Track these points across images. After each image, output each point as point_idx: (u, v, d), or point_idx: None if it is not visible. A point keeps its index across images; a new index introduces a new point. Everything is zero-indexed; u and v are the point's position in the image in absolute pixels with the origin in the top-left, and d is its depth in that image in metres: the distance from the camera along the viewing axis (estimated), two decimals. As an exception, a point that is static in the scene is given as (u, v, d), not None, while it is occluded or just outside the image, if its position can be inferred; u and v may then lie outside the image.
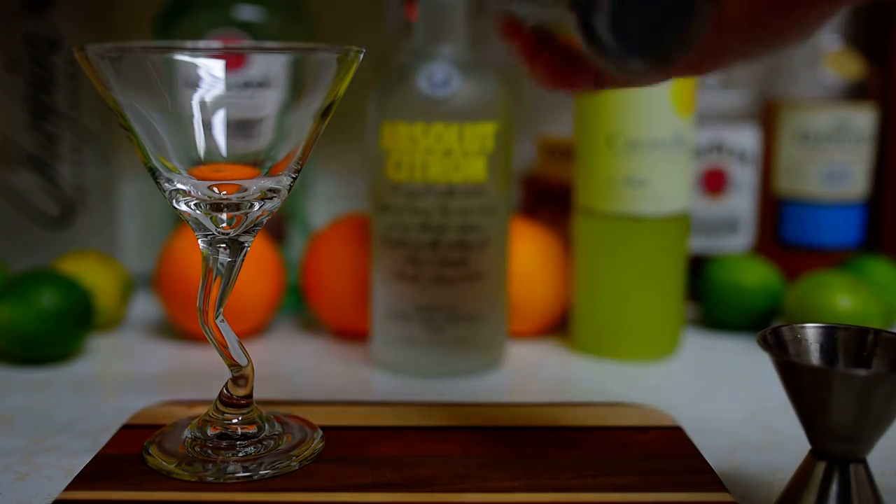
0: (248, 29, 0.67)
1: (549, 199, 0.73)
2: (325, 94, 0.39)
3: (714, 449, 0.45)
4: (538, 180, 0.75)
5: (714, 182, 0.73)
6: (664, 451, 0.42)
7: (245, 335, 0.63)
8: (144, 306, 0.71)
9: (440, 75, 0.54)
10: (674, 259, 0.60)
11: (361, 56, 0.39)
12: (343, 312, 0.63)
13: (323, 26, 0.76)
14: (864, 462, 0.36)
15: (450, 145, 0.54)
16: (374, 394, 0.54)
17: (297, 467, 0.40)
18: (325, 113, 0.39)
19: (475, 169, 0.54)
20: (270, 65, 0.38)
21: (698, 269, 0.69)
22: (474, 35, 0.57)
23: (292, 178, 0.40)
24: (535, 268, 0.63)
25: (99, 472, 0.39)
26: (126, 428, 0.44)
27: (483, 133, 0.54)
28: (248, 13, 0.67)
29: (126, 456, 0.41)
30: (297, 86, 0.38)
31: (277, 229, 0.70)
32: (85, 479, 0.38)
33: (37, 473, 0.42)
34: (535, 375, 0.58)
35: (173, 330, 0.65)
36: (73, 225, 0.73)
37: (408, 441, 0.43)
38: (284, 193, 0.40)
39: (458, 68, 0.55)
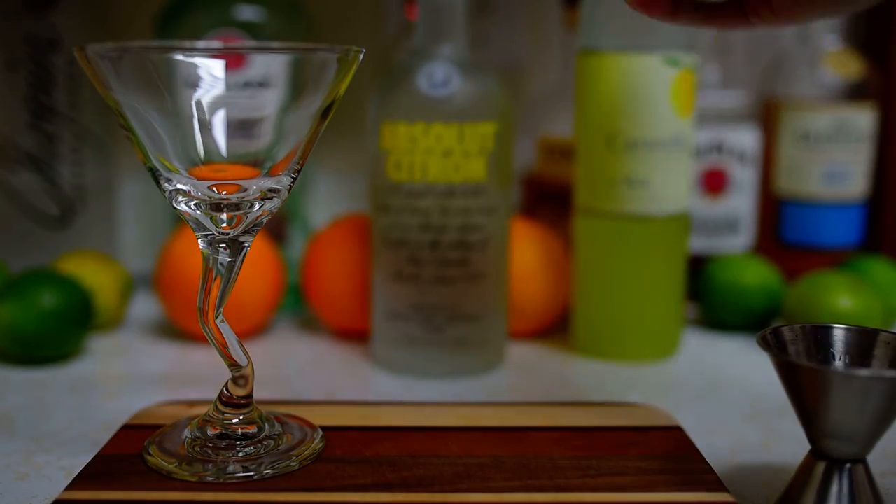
0: (248, 29, 0.67)
1: (549, 199, 0.73)
2: (326, 94, 0.39)
3: (714, 449, 0.45)
4: (538, 180, 0.75)
5: (714, 182, 0.73)
6: (664, 451, 0.42)
7: (245, 335, 0.63)
8: (144, 306, 0.71)
9: (440, 75, 0.54)
10: (674, 259, 0.60)
11: (361, 56, 0.39)
12: (343, 312, 0.63)
13: (323, 26, 0.76)
14: (864, 462, 0.36)
15: (450, 145, 0.54)
16: (374, 394, 0.54)
17: (297, 467, 0.40)
18: (325, 113, 0.39)
19: (475, 169, 0.54)
20: (270, 65, 0.38)
21: (698, 269, 0.69)
22: (474, 35, 0.57)
23: (292, 178, 0.40)
24: (535, 268, 0.63)
25: (99, 472, 0.39)
26: (126, 428, 0.44)
27: (483, 133, 0.54)
28: (248, 13, 0.67)
29: (126, 456, 0.41)
30: (297, 86, 0.38)
31: (277, 229, 0.70)
32: (85, 479, 0.38)
33: (37, 473, 0.42)
34: (535, 375, 0.58)
35: (173, 330, 0.65)
36: (73, 225, 0.73)
37: (408, 441, 0.43)
38: (284, 193, 0.40)
39: (458, 68, 0.55)
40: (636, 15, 0.56)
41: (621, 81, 0.57)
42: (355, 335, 0.64)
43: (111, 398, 0.52)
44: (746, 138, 0.72)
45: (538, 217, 0.72)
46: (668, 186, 0.58)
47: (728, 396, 0.54)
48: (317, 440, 0.42)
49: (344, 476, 0.39)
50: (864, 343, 0.38)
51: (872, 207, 0.80)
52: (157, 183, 0.39)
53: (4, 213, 0.71)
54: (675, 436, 0.44)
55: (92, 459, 0.40)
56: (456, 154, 0.54)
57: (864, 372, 0.35)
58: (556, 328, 0.65)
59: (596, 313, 0.61)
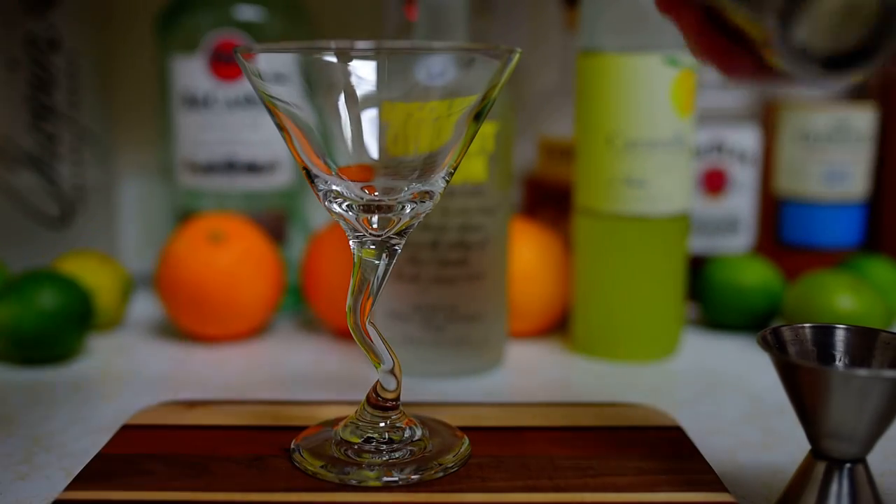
0: (248, 29, 0.67)
1: (549, 199, 0.73)
2: (481, 96, 0.38)
3: (714, 449, 0.46)
4: (538, 180, 0.75)
5: (714, 182, 0.73)
6: (664, 451, 0.42)
7: (245, 335, 0.63)
8: (144, 306, 0.71)
9: (440, 75, 0.54)
10: (674, 259, 0.60)
11: (519, 57, 0.38)
12: (343, 312, 0.63)
13: (323, 26, 0.76)
14: (864, 462, 0.36)
15: (450, 145, 0.54)
16: (374, 394, 0.54)
17: (442, 475, 0.39)
18: (478, 116, 0.39)
19: (475, 169, 0.54)
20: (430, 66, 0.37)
21: (698, 269, 0.69)
22: (474, 35, 0.57)
23: (446, 181, 0.40)
24: (535, 268, 0.63)
25: (99, 472, 0.39)
26: (126, 428, 0.44)
27: (483, 133, 0.54)
28: (248, 13, 0.67)
29: (126, 456, 0.41)
30: (454, 88, 0.37)
31: (277, 229, 0.70)
32: (85, 479, 0.38)
33: (37, 473, 0.42)
34: (535, 375, 0.58)
35: (173, 330, 0.65)
36: (73, 225, 0.73)
37: (408, 441, 0.43)
38: (437, 197, 0.40)
39: (458, 68, 0.55)
40: (636, 15, 0.56)
41: (621, 81, 0.57)
42: (355, 335, 0.64)
43: (111, 398, 0.52)
44: (746, 138, 0.72)
45: (538, 217, 0.73)
46: (668, 186, 0.58)
47: (728, 396, 0.54)
48: (463, 447, 0.41)
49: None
50: (864, 343, 0.38)
51: (872, 207, 0.80)
52: (311, 183, 0.39)
53: (4, 213, 0.71)
54: (675, 436, 0.44)
55: (92, 459, 0.40)
56: (456, 154, 0.54)
57: (863, 372, 0.35)
58: (556, 328, 0.65)
59: (596, 313, 0.61)
